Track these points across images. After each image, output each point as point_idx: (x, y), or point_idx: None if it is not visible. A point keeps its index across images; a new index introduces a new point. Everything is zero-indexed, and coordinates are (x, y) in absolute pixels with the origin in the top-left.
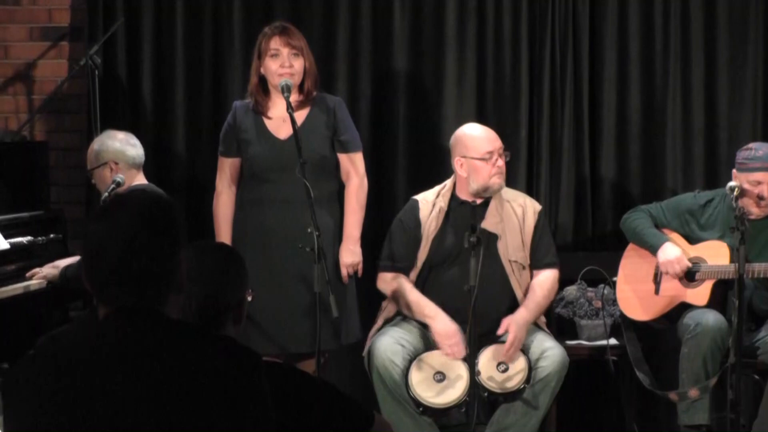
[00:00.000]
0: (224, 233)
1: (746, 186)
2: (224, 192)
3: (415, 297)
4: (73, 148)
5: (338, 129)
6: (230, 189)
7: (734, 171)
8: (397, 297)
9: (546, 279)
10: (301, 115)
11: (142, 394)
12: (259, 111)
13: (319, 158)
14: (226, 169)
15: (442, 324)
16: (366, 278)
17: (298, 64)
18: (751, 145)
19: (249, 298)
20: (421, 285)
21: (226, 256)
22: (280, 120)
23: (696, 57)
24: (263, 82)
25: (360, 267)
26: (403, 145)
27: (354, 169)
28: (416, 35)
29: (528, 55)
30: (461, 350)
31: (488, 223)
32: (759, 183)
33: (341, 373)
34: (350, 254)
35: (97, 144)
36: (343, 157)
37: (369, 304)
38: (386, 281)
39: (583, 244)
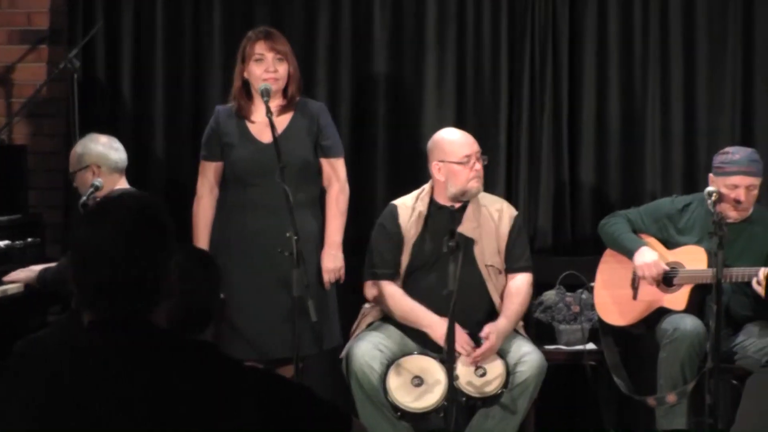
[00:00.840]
0: (203, 237)
1: (723, 190)
2: (205, 196)
3: (411, 305)
4: (52, 152)
5: (321, 134)
6: (211, 193)
7: (711, 175)
8: (389, 306)
9: (522, 284)
10: (284, 120)
11: (126, 403)
12: (243, 115)
13: (302, 163)
14: (209, 174)
15: (441, 330)
16: (346, 283)
17: (283, 69)
18: (728, 149)
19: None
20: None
21: (198, 261)
22: (263, 124)
23: (675, 63)
24: (246, 85)
25: (342, 273)
26: (383, 149)
27: (336, 174)
28: (396, 40)
29: (507, 60)
30: (469, 345)
31: (465, 228)
32: (736, 187)
33: (320, 378)
34: (332, 260)
35: (80, 147)
36: (325, 163)
37: (351, 309)
38: (375, 290)
39: (561, 249)
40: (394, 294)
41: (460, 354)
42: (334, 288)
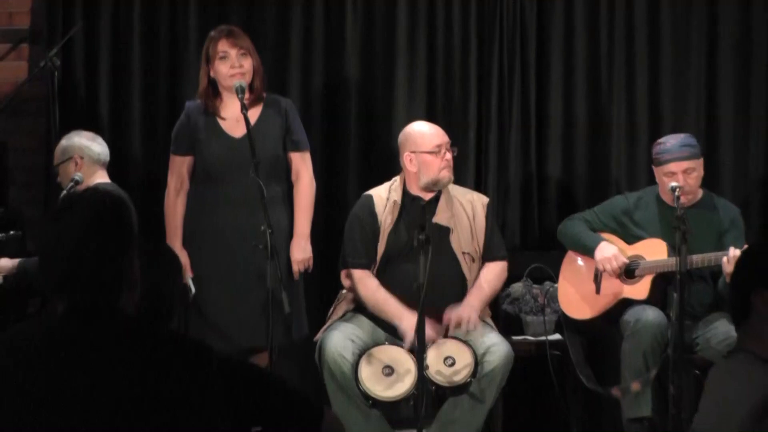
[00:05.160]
0: (177, 230)
1: (663, 179)
2: (177, 190)
3: (383, 297)
4: (31, 149)
5: (291, 129)
6: (182, 187)
7: (653, 167)
8: (362, 296)
9: (493, 267)
10: (253, 114)
11: (98, 389)
12: (212, 112)
13: (273, 158)
14: (180, 168)
15: (408, 323)
16: (315, 275)
17: (248, 64)
18: (662, 139)
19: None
20: (378, 278)
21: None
22: (233, 120)
23: (640, 63)
24: (213, 84)
25: (311, 263)
26: (355, 146)
27: (305, 167)
28: (368, 41)
29: (477, 59)
30: (434, 333)
31: (440, 218)
32: (673, 173)
33: (292, 369)
34: (301, 251)
35: (64, 140)
36: (295, 156)
37: (321, 300)
38: (352, 279)
39: (529, 243)
40: (368, 284)
41: (429, 341)
42: (301, 279)
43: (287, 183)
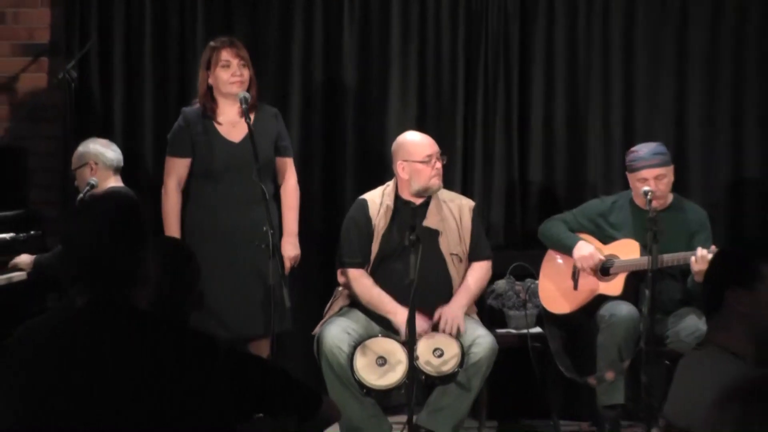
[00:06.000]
0: (174, 229)
1: (636, 184)
2: (174, 191)
3: (377, 293)
4: (49, 154)
5: (280, 135)
6: (179, 188)
7: (627, 173)
8: (357, 293)
9: (479, 267)
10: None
11: (111, 376)
12: (210, 116)
13: (267, 161)
14: (179, 169)
15: (401, 317)
16: (313, 272)
17: (246, 74)
18: (635, 147)
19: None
20: (372, 277)
21: (176, 252)
22: (230, 125)
23: (615, 73)
24: (210, 90)
25: (299, 258)
26: (351, 150)
27: (291, 171)
28: (364, 52)
29: (464, 70)
30: (426, 326)
31: (430, 221)
32: (645, 179)
33: (292, 360)
34: (293, 248)
35: (81, 147)
36: (282, 161)
37: (319, 297)
38: (347, 278)
39: (512, 242)
40: (363, 282)
41: (420, 334)
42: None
43: (274, 184)
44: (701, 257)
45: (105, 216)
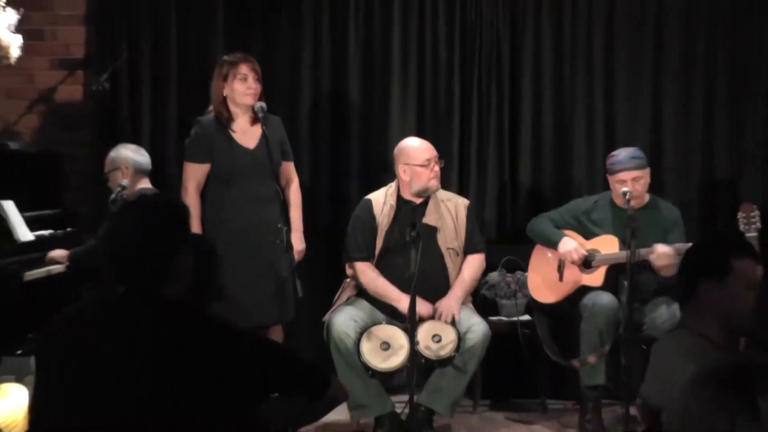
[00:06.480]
0: (195, 227)
1: (616, 185)
2: (194, 193)
3: (382, 283)
4: (83, 158)
5: (283, 141)
6: (198, 190)
7: (607, 175)
8: (364, 283)
9: (474, 259)
10: (258, 129)
11: (143, 358)
12: (225, 124)
13: (278, 164)
14: (198, 174)
15: (406, 304)
16: (323, 265)
17: (259, 87)
18: (614, 152)
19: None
20: (377, 269)
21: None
22: (242, 132)
23: (597, 84)
24: (225, 100)
25: (304, 252)
26: (356, 155)
27: (294, 173)
28: (367, 65)
29: (459, 81)
30: (428, 310)
31: (429, 219)
32: (624, 181)
33: (305, 344)
34: (299, 242)
35: (113, 152)
36: (287, 164)
37: (328, 287)
38: (355, 270)
39: (504, 238)
40: (369, 273)
41: (420, 323)
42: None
43: (279, 185)
44: (662, 253)
45: (143, 218)
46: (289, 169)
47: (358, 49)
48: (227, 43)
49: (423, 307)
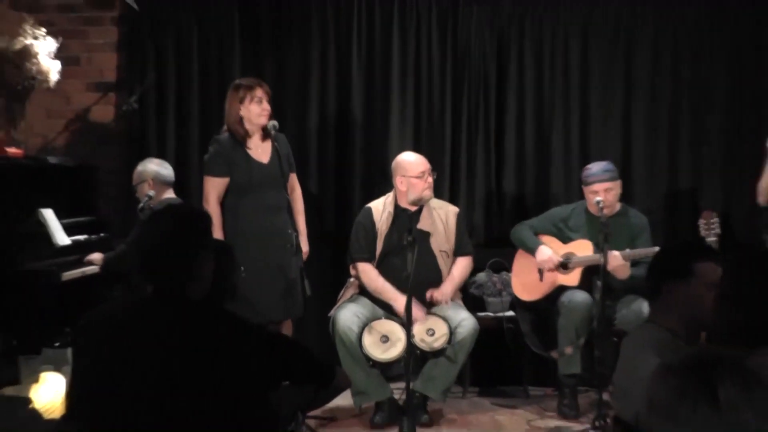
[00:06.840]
0: (219, 234)
1: (590, 195)
2: (215, 204)
3: (381, 284)
4: (115, 171)
5: (289, 155)
6: (218, 201)
7: (582, 186)
8: (365, 283)
9: (463, 261)
10: (269, 145)
11: (169, 350)
12: (240, 141)
13: (287, 176)
14: (218, 187)
15: (401, 303)
16: (328, 266)
17: (269, 108)
18: (589, 165)
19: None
20: (377, 269)
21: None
22: (256, 148)
23: (573, 103)
24: (241, 119)
25: (308, 254)
26: (358, 167)
27: (297, 183)
28: (369, 87)
29: (451, 102)
30: (421, 313)
31: (423, 225)
32: (597, 192)
33: (312, 338)
34: (305, 245)
35: (140, 166)
36: (292, 175)
37: (333, 286)
38: (357, 270)
39: (490, 242)
40: (370, 274)
41: (416, 319)
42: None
43: None
44: (614, 257)
45: (171, 225)
46: (293, 179)
47: (360, 72)
48: (243, 66)
49: (417, 311)
